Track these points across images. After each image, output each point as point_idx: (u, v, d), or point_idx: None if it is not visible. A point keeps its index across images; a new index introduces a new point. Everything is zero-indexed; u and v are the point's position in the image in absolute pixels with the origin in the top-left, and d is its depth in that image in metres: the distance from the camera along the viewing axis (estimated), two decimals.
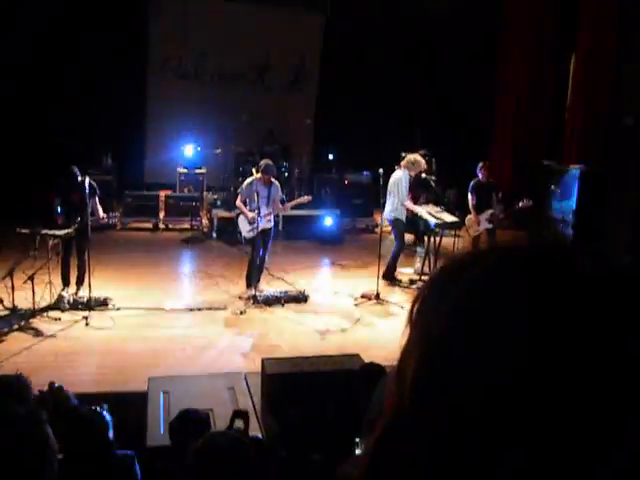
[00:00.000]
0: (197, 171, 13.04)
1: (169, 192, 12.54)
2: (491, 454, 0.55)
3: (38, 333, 7.12)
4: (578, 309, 0.56)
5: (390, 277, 9.48)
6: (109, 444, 3.64)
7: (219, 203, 12.33)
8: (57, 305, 7.70)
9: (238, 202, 8.62)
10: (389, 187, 9.38)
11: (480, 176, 10.43)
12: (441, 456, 0.58)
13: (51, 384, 4.06)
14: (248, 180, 8.67)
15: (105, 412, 3.72)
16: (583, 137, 11.84)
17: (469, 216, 10.39)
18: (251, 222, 8.35)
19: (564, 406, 0.53)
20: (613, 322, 0.55)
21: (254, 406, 5.38)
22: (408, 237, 10.09)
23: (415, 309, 0.66)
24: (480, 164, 12.02)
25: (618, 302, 0.56)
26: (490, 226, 10.38)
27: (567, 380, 0.54)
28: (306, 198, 9.50)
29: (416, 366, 0.61)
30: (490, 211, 10.29)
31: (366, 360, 5.64)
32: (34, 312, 7.43)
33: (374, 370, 4.35)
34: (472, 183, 10.77)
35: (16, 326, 7.20)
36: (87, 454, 3.51)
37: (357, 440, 3.49)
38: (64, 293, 8.06)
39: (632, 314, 0.56)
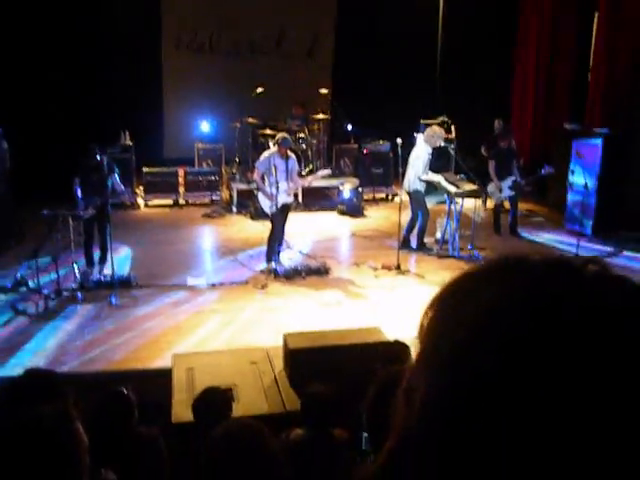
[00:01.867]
0: (215, 145, 13.04)
1: (188, 167, 12.54)
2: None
3: (63, 313, 7.24)
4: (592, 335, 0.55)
5: (421, 248, 9.53)
6: (134, 422, 3.71)
7: (238, 177, 12.34)
8: (81, 284, 7.79)
9: (256, 177, 8.62)
10: (410, 159, 9.33)
11: (501, 142, 10.34)
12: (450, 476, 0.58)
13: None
14: (265, 154, 8.65)
15: (129, 392, 3.78)
16: (607, 100, 11.60)
17: (491, 184, 10.30)
18: (271, 198, 8.35)
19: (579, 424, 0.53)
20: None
21: (277, 381, 5.44)
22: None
23: (425, 326, 0.65)
24: (496, 124, 11.91)
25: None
26: (512, 193, 10.30)
27: (586, 405, 0.53)
28: (326, 171, 9.49)
29: (426, 387, 0.61)
30: (512, 178, 10.21)
31: (387, 333, 5.67)
32: (59, 292, 7.53)
33: (398, 349, 4.30)
34: (493, 150, 10.69)
35: (42, 307, 7.31)
36: (112, 433, 3.58)
37: (364, 435, 3.51)
38: (88, 272, 8.15)
39: None
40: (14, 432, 2.06)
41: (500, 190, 10.23)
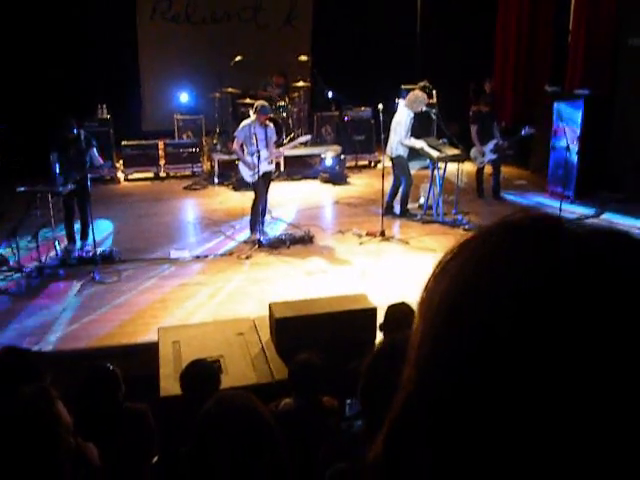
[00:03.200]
0: (195, 116, 12.88)
1: (168, 140, 12.40)
2: (500, 430, 0.53)
3: (46, 291, 7.16)
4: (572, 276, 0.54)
5: (405, 214, 9.52)
6: (120, 398, 3.68)
7: (219, 147, 12.21)
8: (63, 261, 7.71)
9: (235, 146, 8.53)
10: (392, 124, 9.30)
11: (483, 106, 10.30)
12: (450, 440, 0.56)
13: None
14: (244, 122, 8.55)
15: (114, 367, 3.75)
16: (587, 61, 11.54)
17: (474, 148, 10.27)
18: (252, 167, 8.27)
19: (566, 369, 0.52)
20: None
21: (264, 351, 5.43)
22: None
23: (423, 292, 0.65)
24: (487, 86, 11.85)
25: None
26: (495, 157, 10.28)
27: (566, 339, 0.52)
28: (305, 138, 9.43)
29: (420, 342, 0.61)
30: (494, 141, 10.19)
31: (373, 300, 5.66)
32: (40, 270, 7.45)
33: (404, 311, 4.16)
34: (472, 113, 10.65)
35: (23, 285, 7.23)
36: (99, 409, 3.55)
37: (347, 402, 3.50)
38: (69, 249, 8.07)
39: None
40: None
41: (482, 154, 10.21)
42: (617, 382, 0.51)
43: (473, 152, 10.32)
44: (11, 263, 7.57)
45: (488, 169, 10.58)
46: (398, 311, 4.24)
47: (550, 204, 10.05)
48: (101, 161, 8.35)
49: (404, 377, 0.63)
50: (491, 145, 10.17)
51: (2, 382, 3.20)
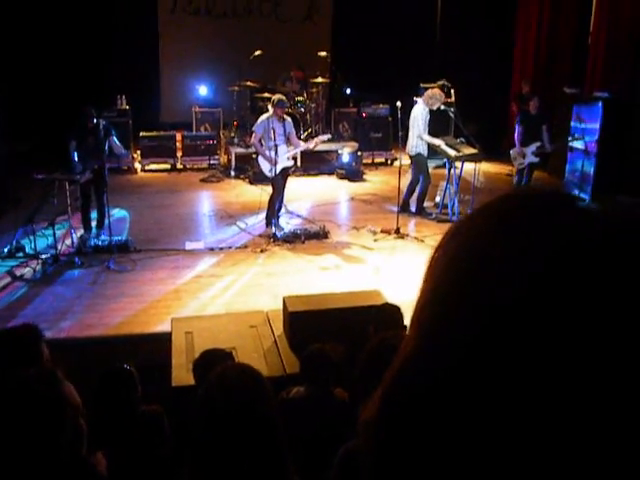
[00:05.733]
0: (213, 109, 12.92)
1: (186, 131, 12.43)
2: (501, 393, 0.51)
3: (61, 278, 7.20)
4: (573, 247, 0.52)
5: (421, 212, 9.49)
6: (136, 400, 3.66)
7: (236, 140, 12.23)
8: (79, 249, 7.75)
9: (254, 140, 8.52)
10: (410, 121, 9.25)
11: (531, 108, 9.98)
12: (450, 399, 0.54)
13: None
14: (263, 117, 8.55)
15: (131, 368, 3.71)
16: (607, 63, 11.45)
17: (513, 149, 10.13)
18: (271, 161, 8.27)
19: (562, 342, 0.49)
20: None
21: (277, 344, 5.43)
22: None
23: (435, 251, 0.63)
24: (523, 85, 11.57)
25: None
26: (536, 160, 10.03)
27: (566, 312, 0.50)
28: (325, 137, 9.45)
29: (425, 302, 0.60)
30: (537, 144, 9.91)
31: (387, 296, 5.65)
32: (56, 258, 7.49)
33: (391, 312, 4.32)
34: (520, 114, 10.39)
35: (39, 272, 7.28)
36: (115, 411, 3.53)
37: None
38: (85, 237, 8.11)
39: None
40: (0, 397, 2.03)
41: (523, 156, 9.96)
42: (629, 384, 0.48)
43: (513, 153, 10.14)
44: (27, 250, 7.62)
45: (502, 169, 10.46)
46: (387, 311, 4.31)
47: None
48: (122, 150, 8.39)
49: (404, 339, 0.62)
50: (533, 147, 9.88)
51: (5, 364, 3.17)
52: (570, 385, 0.49)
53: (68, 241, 7.81)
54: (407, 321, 3.75)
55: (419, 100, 9.63)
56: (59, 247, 7.58)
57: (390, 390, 0.61)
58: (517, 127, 10.08)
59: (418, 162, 9.36)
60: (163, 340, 5.51)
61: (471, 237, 0.59)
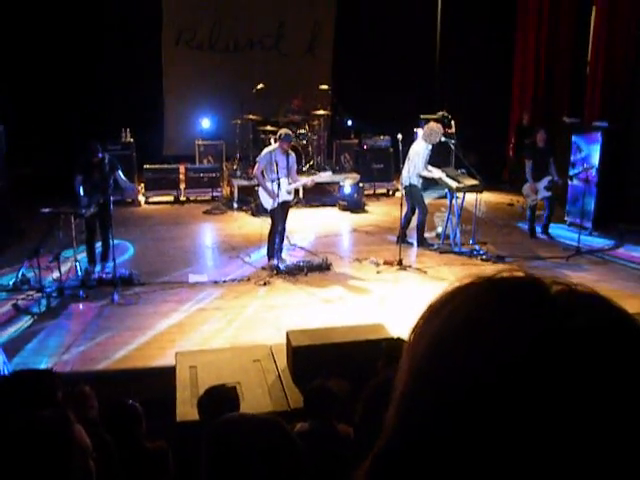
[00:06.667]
0: (216, 142, 13.04)
1: (189, 164, 12.54)
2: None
3: (65, 312, 7.24)
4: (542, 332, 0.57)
5: (422, 243, 9.50)
6: (140, 436, 3.67)
7: (239, 173, 12.34)
8: (83, 282, 7.79)
9: (256, 171, 8.58)
10: (410, 154, 9.24)
11: (539, 141, 9.90)
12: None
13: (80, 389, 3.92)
14: (267, 149, 8.63)
15: (137, 404, 3.72)
16: (605, 92, 11.57)
17: (526, 185, 10.03)
18: (271, 194, 8.33)
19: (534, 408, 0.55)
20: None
21: (281, 379, 5.44)
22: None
23: (412, 333, 0.69)
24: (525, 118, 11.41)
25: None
26: (549, 194, 9.93)
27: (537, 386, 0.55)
28: (327, 174, 9.62)
29: (402, 386, 0.65)
30: (548, 178, 9.83)
31: (390, 329, 5.67)
32: (61, 291, 7.53)
33: (400, 346, 4.29)
34: (528, 148, 10.25)
35: (44, 305, 7.31)
36: (120, 447, 3.54)
37: None
38: (90, 270, 8.15)
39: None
40: (11, 437, 2.05)
41: (536, 192, 9.90)
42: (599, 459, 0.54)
43: (525, 189, 10.04)
44: (32, 283, 7.66)
45: (503, 199, 10.50)
46: (394, 346, 4.33)
47: (569, 235, 10.03)
48: (129, 184, 8.47)
49: (388, 413, 0.66)
50: (545, 182, 9.78)
51: (12, 404, 3.19)
52: (545, 465, 0.54)
53: (72, 274, 7.85)
54: None
55: (419, 132, 9.70)
56: (63, 280, 7.62)
57: (375, 464, 0.66)
58: (527, 162, 9.97)
59: (411, 192, 9.30)
60: (167, 374, 5.52)
61: (448, 323, 0.64)
